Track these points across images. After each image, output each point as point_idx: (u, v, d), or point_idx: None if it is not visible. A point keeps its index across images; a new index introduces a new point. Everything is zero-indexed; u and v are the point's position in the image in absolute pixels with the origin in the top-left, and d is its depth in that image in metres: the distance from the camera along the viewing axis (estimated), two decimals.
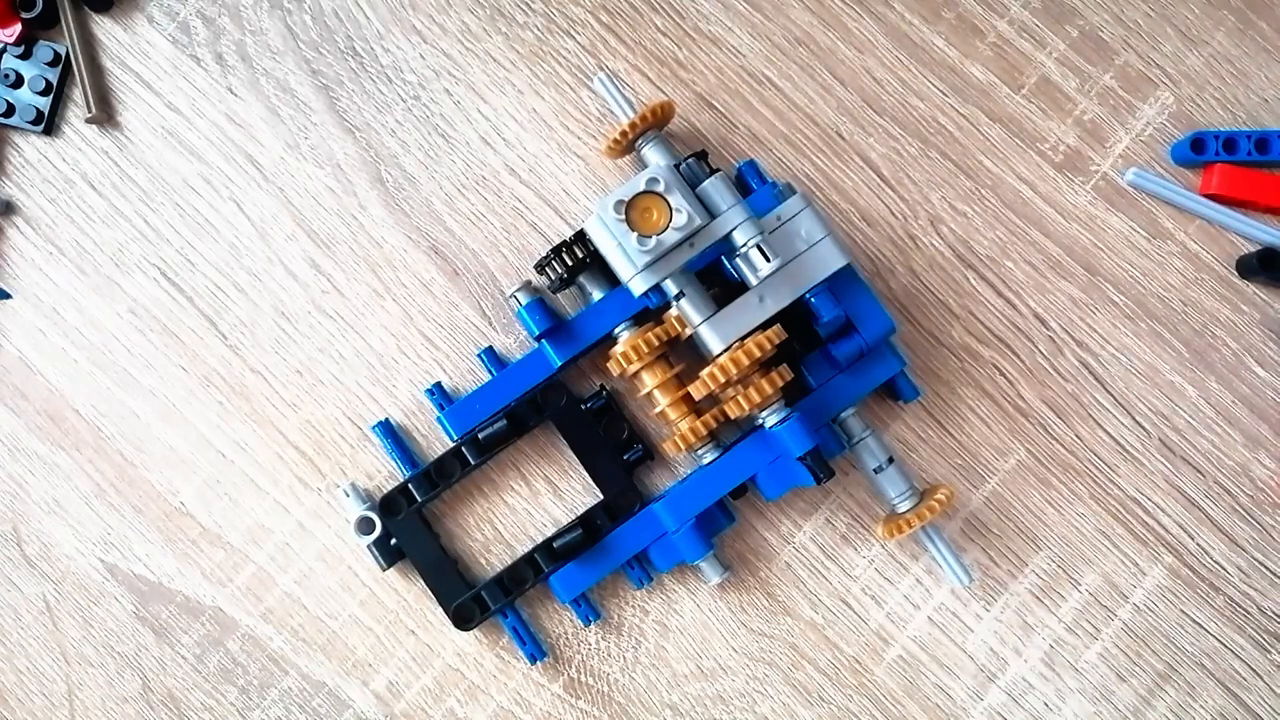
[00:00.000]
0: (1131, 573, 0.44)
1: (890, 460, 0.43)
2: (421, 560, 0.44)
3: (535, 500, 0.45)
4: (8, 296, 0.46)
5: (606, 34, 0.46)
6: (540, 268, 0.43)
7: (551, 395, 0.44)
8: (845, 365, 0.42)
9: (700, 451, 0.43)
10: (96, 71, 0.47)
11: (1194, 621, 0.44)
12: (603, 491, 0.44)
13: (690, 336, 0.41)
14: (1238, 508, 0.44)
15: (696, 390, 0.40)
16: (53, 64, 0.46)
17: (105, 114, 0.46)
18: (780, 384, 0.40)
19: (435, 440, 0.45)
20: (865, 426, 0.43)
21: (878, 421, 0.45)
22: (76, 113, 0.47)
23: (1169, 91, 0.46)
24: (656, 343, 0.41)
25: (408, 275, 0.46)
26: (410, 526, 0.43)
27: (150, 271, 0.46)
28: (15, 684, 0.46)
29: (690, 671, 0.45)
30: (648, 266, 0.39)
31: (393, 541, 0.44)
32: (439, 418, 0.43)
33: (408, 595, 0.45)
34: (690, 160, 0.42)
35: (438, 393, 0.44)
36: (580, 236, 0.42)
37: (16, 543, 0.46)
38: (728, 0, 0.46)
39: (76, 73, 0.46)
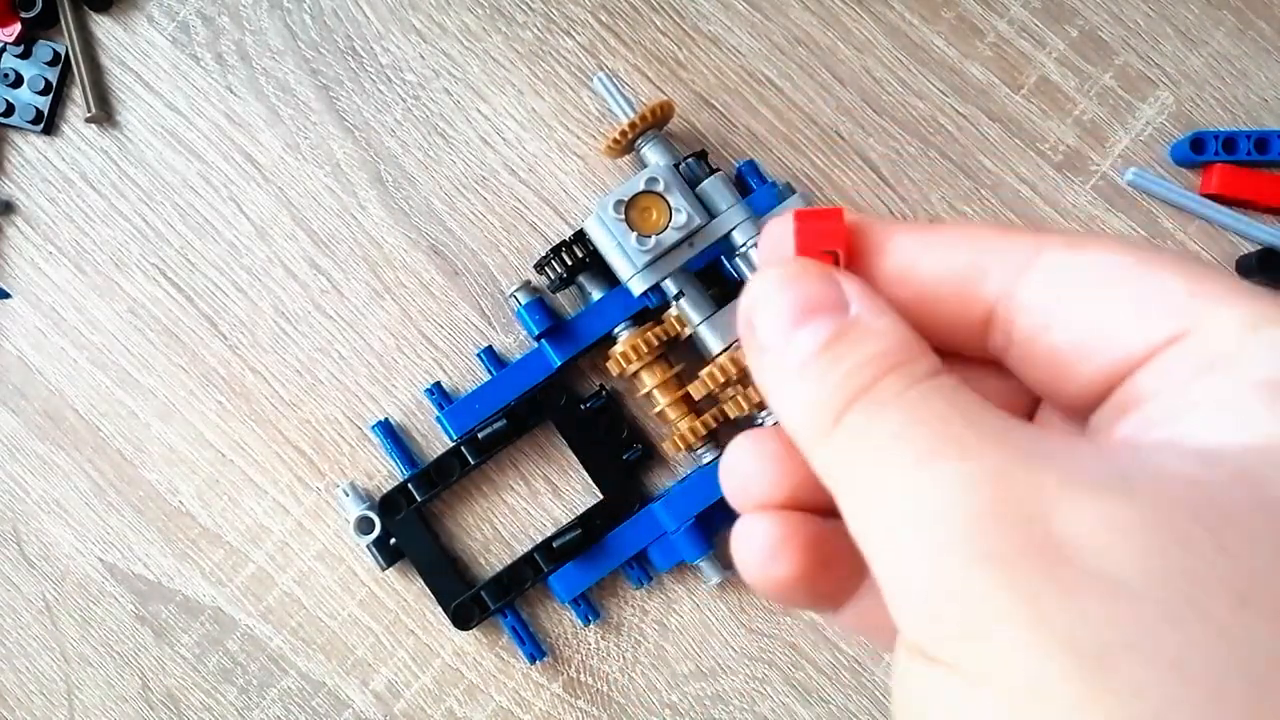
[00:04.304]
0: None
1: None
2: (421, 560, 0.43)
3: (535, 500, 0.45)
4: (7, 296, 0.46)
5: (606, 34, 0.46)
6: (540, 267, 0.43)
7: (551, 395, 0.43)
8: None
9: (700, 451, 0.43)
10: (96, 71, 0.47)
11: None
12: (602, 491, 0.44)
13: (690, 336, 0.41)
14: None
15: (696, 390, 0.40)
16: (52, 63, 0.46)
17: (105, 113, 0.46)
18: None
19: (435, 440, 0.45)
20: None
21: None
22: (76, 112, 0.47)
23: (1169, 91, 0.46)
24: (656, 343, 0.41)
25: (407, 275, 0.46)
26: (410, 526, 0.43)
27: (150, 271, 0.46)
28: (15, 684, 0.46)
29: (690, 671, 0.45)
30: (647, 266, 0.39)
31: (392, 541, 0.44)
32: (438, 417, 0.43)
33: (407, 595, 0.45)
34: (690, 160, 0.42)
35: (437, 392, 0.44)
36: (580, 236, 0.42)
37: (16, 542, 0.46)
38: (727, 0, 0.46)
39: (76, 72, 0.46)
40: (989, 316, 0.18)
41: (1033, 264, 0.17)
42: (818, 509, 0.19)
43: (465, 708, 0.45)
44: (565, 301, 0.45)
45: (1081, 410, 0.18)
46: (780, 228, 0.19)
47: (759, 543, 0.19)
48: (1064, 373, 0.17)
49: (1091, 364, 0.17)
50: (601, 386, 0.45)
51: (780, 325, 0.17)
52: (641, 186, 0.39)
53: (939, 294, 0.18)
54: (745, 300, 0.18)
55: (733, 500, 0.20)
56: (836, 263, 0.18)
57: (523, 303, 0.43)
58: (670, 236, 0.39)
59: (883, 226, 0.18)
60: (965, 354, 0.19)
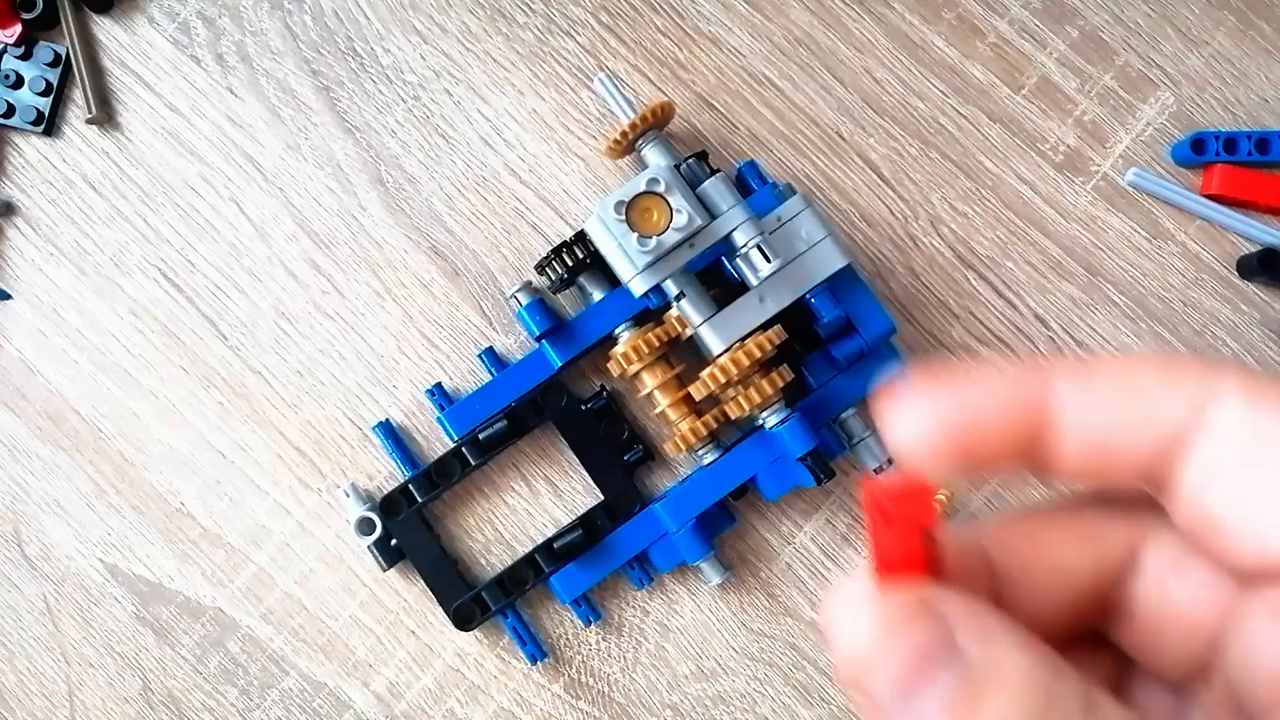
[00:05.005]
0: None
1: (890, 460, 0.43)
2: (422, 561, 0.43)
3: (535, 501, 0.45)
4: (8, 297, 0.46)
5: (606, 34, 0.46)
6: (540, 268, 0.43)
7: (552, 396, 0.44)
8: (845, 365, 0.42)
9: (700, 452, 0.43)
10: (97, 72, 0.47)
11: None
12: (603, 492, 0.44)
13: (691, 337, 0.41)
14: None
15: (697, 391, 0.40)
16: (53, 65, 0.46)
17: (105, 115, 0.46)
18: (780, 384, 0.40)
19: (435, 441, 0.45)
20: (866, 426, 0.43)
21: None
22: (77, 113, 0.47)
23: (1169, 92, 0.46)
24: (657, 343, 0.41)
25: (408, 276, 0.46)
26: (410, 527, 0.43)
27: (151, 272, 0.46)
28: (16, 685, 0.46)
29: (691, 672, 0.45)
30: (648, 267, 0.39)
31: (393, 542, 0.44)
32: (439, 418, 0.43)
33: (408, 596, 0.45)
34: (690, 161, 0.42)
35: (438, 393, 0.44)
36: (580, 237, 0.42)
37: (17, 543, 0.46)
38: (728, 0, 0.46)
39: (77, 73, 0.46)
40: (1157, 468, 0.16)
41: (1206, 414, 0.15)
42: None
43: (466, 708, 0.45)
44: (566, 302, 0.46)
45: (1241, 577, 0.16)
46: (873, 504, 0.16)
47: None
48: (1234, 540, 0.15)
49: (1268, 545, 0.15)
50: (602, 387, 0.45)
51: (889, 697, 0.15)
52: (642, 187, 0.39)
53: (1105, 451, 0.16)
54: (843, 662, 0.15)
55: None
56: (927, 535, 0.16)
57: (523, 303, 0.43)
58: (671, 237, 0.39)
59: (1038, 382, 0.17)
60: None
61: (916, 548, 0.15)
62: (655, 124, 0.42)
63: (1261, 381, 0.15)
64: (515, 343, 0.46)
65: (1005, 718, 0.14)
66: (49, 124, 0.46)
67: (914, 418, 0.17)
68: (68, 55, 0.46)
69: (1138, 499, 0.17)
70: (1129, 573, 0.17)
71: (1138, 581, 0.17)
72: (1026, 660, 0.14)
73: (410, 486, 0.43)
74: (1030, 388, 0.16)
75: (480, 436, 0.43)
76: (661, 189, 0.39)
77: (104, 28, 0.47)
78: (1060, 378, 0.16)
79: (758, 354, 0.39)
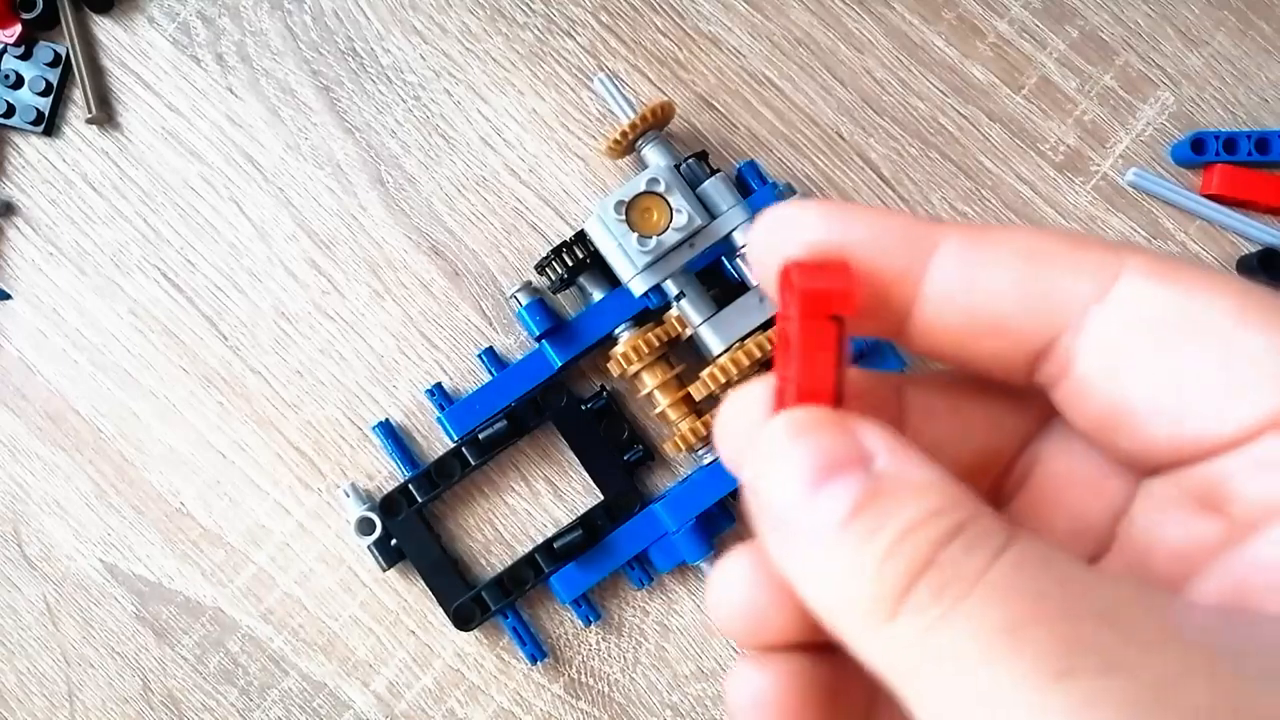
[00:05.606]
0: None
1: None
2: (422, 561, 0.43)
3: (535, 501, 0.45)
4: (8, 297, 0.46)
5: (606, 34, 0.46)
6: (540, 268, 0.43)
7: (552, 396, 0.44)
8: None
9: (701, 452, 0.43)
10: (97, 72, 0.47)
11: None
12: (603, 492, 0.44)
13: (691, 337, 0.41)
14: None
15: (697, 391, 0.40)
16: (53, 65, 0.46)
17: (105, 115, 0.46)
18: None
19: (435, 441, 0.45)
20: None
21: None
22: (77, 113, 0.47)
23: (1169, 92, 0.46)
24: (657, 343, 0.41)
25: (408, 276, 0.46)
26: (410, 527, 0.43)
27: (151, 272, 0.46)
28: (16, 685, 0.46)
29: (691, 672, 0.45)
30: (648, 267, 0.39)
31: (393, 542, 0.44)
32: (439, 418, 0.43)
33: (408, 596, 0.45)
34: (690, 161, 0.42)
35: (438, 393, 0.44)
36: (580, 237, 0.42)
37: (17, 543, 0.46)
38: (728, 0, 0.46)
39: (77, 73, 0.46)
40: (1049, 348, 0.15)
41: (1109, 290, 0.14)
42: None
43: (466, 708, 0.45)
44: (566, 302, 0.46)
45: (1135, 467, 0.15)
46: (768, 256, 0.16)
47: (747, 699, 0.16)
48: (1126, 428, 0.15)
49: (1162, 430, 0.14)
50: (602, 387, 0.45)
51: (795, 492, 0.14)
52: (642, 187, 0.39)
53: (992, 321, 0.15)
54: (750, 468, 0.15)
55: (725, 633, 0.17)
56: (841, 329, 0.15)
57: (523, 303, 0.43)
58: (671, 237, 0.39)
59: (926, 232, 0.15)
60: (1000, 381, 0.16)
61: (830, 337, 0.15)
62: (655, 124, 0.42)
63: (1166, 261, 0.14)
64: (515, 343, 0.46)
65: (913, 522, 0.13)
66: (49, 124, 0.46)
67: (783, 232, 0.16)
68: (68, 55, 0.46)
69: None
70: (1033, 449, 0.17)
71: (1041, 458, 0.17)
72: (940, 473, 0.14)
73: (410, 486, 0.43)
74: (913, 239, 0.15)
75: (480, 436, 0.43)
76: (661, 189, 0.39)
77: (104, 28, 0.47)
78: (949, 236, 0.15)
79: (758, 354, 0.39)
